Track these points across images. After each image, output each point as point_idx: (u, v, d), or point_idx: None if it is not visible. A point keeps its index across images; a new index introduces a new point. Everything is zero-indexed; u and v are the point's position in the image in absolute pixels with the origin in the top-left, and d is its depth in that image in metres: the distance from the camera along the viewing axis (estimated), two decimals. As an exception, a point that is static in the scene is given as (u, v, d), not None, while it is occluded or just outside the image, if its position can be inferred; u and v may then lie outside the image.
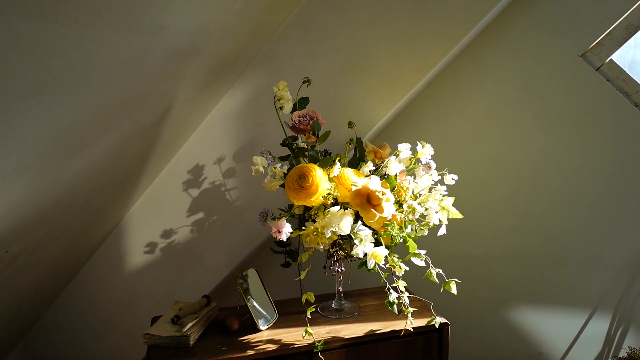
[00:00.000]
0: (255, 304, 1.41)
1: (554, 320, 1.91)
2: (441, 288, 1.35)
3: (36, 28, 0.76)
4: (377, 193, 1.16)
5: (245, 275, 1.43)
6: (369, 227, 1.25)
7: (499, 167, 1.87)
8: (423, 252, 1.34)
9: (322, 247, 1.19)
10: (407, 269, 1.25)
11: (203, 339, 1.36)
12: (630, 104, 1.71)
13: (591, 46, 1.70)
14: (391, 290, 1.24)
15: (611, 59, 1.70)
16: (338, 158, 1.27)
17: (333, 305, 1.52)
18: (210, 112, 1.70)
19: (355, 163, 1.46)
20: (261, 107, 1.64)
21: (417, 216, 1.27)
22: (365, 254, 1.19)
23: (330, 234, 1.15)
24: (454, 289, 1.35)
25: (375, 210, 1.16)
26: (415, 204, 1.25)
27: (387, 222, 1.21)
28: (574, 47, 1.71)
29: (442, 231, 1.41)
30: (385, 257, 1.21)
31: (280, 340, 1.33)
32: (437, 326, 1.31)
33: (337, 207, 1.19)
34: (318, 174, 1.21)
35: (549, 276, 1.89)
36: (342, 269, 1.23)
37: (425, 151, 1.39)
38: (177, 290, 1.82)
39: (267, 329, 1.40)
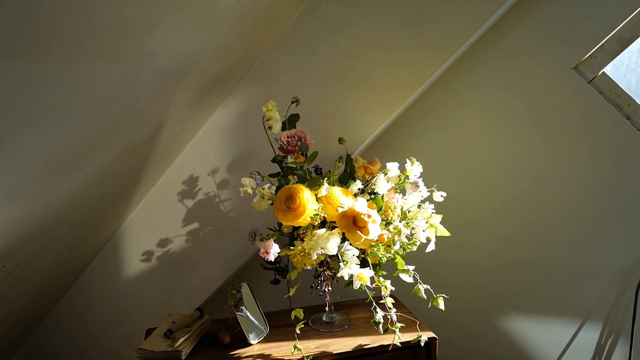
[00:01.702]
0: (246, 317, 1.44)
1: (545, 328, 1.93)
2: (429, 304, 1.38)
3: (19, 67, 0.78)
4: (362, 216, 1.17)
5: (237, 288, 1.46)
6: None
7: (492, 177, 1.88)
8: (411, 267, 1.36)
9: (309, 267, 1.21)
10: (393, 289, 1.27)
11: (195, 353, 1.39)
12: (622, 116, 1.71)
13: (584, 58, 1.70)
14: (377, 310, 1.26)
15: (603, 72, 1.70)
16: (326, 179, 1.28)
17: (324, 318, 1.54)
18: (203, 125, 1.71)
19: (346, 179, 1.48)
20: (254, 120, 1.65)
21: (403, 237, 1.28)
22: (352, 275, 1.21)
23: (316, 256, 1.17)
24: (441, 305, 1.37)
25: (361, 232, 1.18)
26: (401, 225, 1.26)
27: (373, 244, 1.22)
28: (567, 59, 1.71)
29: (431, 247, 1.42)
30: (372, 277, 1.23)
31: (270, 355, 1.36)
32: (422, 344, 1.33)
33: (323, 230, 1.21)
34: (305, 195, 1.23)
35: (541, 285, 1.91)
36: (329, 288, 1.25)
37: (414, 169, 1.40)
38: (174, 298, 1.86)
39: (258, 342, 1.43)
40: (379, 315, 1.26)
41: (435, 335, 1.44)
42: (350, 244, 1.26)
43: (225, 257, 1.80)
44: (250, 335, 1.42)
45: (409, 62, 1.50)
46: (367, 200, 1.28)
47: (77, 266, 1.82)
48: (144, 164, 1.59)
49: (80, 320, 1.91)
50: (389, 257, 1.27)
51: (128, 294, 1.86)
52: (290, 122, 1.42)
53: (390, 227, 1.27)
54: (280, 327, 1.52)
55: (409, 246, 1.34)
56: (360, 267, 1.28)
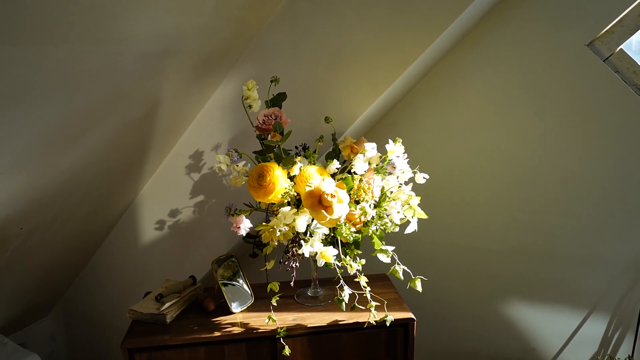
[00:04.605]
0: (231, 287, 1.52)
1: (549, 317, 1.87)
2: (407, 284, 1.38)
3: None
4: (325, 195, 1.19)
5: (223, 260, 1.53)
6: (328, 225, 1.29)
7: (499, 159, 1.82)
8: (391, 248, 1.37)
9: (276, 243, 1.26)
10: (359, 267, 1.29)
11: (182, 318, 1.49)
12: (640, 97, 1.58)
13: (600, 34, 1.58)
14: (344, 287, 1.29)
15: (621, 49, 1.57)
16: (299, 158, 1.31)
17: (308, 293, 1.59)
18: (207, 101, 1.78)
19: (332, 158, 1.50)
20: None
21: (369, 218, 1.29)
22: (317, 253, 1.24)
23: (279, 233, 1.21)
24: (419, 287, 1.37)
25: (325, 211, 1.20)
26: (367, 206, 1.27)
27: (339, 223, 1.24)
28: (581, 35, 1.60)
29: (412, 229, 1.41)
30: (338, 255, 1.26)
31: (248, 323, 1.43)
32: (387, 324, 1.35)
33: (288, 207, 1.24)
34: (276, 174, 1.26)
35: (547, 273, 1.84)
36: (297, 264, 1.29)
37: (396, 149, 1.39)
38: (184, 265, 1.97)
39: (241, 311, 1.51)
40: (346, 292, 1.28)
41: (413, 317, 1.45)
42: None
43: (228, 229, 1.87)
44: (233, 304, 1.49)
45: (397, 41, 1.47)
46: (338, 180, 1.30)
47: (99, 233, 1.98)
48: (148, 139, 1.68)
49: (103, 284, 2.09)
50: (356, 237, 1.28)
51: (144, 262, 1.99)
52: (275, 101, 1.45)
53: (357, 208, 1.28)
54: (266, 298, 1.58)
55: (382, 227, 1.34)
56: (333, 247, 1.31)
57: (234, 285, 1.53)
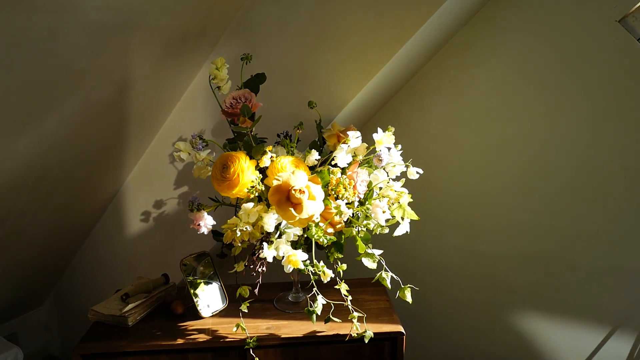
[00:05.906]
0: (207, 289, 1.37)
1: (567, 332, 1.66)
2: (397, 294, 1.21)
3: None
4: (293, 191, 1.02)
5: (195, 259, 1.39)
6: (302, 225, 1.13)
7: (513, 151, 1.61)
8: (378, 252, 1.20)
9: (240, 243, 1.10)
10: (333, 275, 1.12)
11: (147, 321, 1.35)
12: (681, 83, 1.35)
13: (633, 9, 1.35)
14: (317, 297, 1.12)
15: (660, 25, 1.34)
16: (270, 147, 1.15)
17: (289, 298, 1.43)
18: (190, 84, 1.63)
19: (317, 148, 1.33)
20: (237, 80, 1.54)
21: (345, 218, 1.11)
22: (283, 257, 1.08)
23: (239, 233, 1.05)
24: (408, 297, 1.20)
25: (294, 209, 1.04)
26: (343, 204, 1.09)
27: (312, 223, 1.08)
28: (611, 9, 1.37)
29: (403, 230, 1.23)
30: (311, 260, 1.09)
31: (217, 331, 1.29)
32: (366, 340, 1.17)
33: (251, 204, 1.08)
34: (242, 165, 1.10)
35: (564, 283, 1.62)
36: (264, 269, 1.13)
37: (385, 139, 1.21)
38: (169, 258, 1.84)
39: (212, 316, 1.36)
40: (318, 303, 1.12)
41: (402, 330, 1.27)
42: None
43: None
44: (204, 307, 1.35)
45: (390, 17, 1.29)
46: (313, 173, 1.13)
47: (85, 222, 1.87)
48: (124, 123, 1.55)
49: (93, 275, 1.99)
50: (332, 239, 1.11)
51: (131, 252, 1.88)
52: (252, 82, 1.28)
53: (333, 206, 1.11)
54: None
55: (364, 228, 1.17)
56: (309, 249, 1.15)
57: (214, 285, 1.39)
